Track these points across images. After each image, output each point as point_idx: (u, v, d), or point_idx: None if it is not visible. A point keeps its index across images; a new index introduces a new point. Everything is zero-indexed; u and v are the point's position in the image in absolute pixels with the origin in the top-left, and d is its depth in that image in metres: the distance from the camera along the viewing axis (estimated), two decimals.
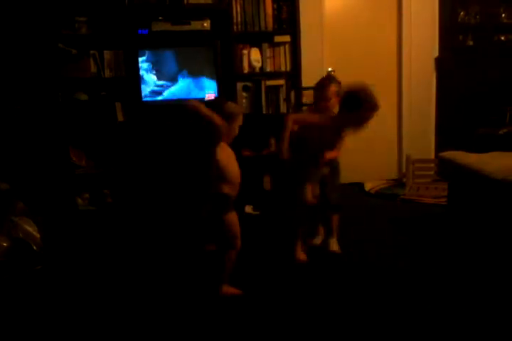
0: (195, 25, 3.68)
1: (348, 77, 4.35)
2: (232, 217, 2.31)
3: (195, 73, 3.76)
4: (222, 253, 2.31)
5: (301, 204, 2.65)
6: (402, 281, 2.41)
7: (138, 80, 3.63)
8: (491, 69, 4.13)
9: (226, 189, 2.27)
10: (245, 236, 3.15)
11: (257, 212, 3.72)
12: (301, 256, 2.73)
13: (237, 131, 2.36)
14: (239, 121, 2.34)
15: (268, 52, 3.94)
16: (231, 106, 2.33)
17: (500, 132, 3.27)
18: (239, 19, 3.84)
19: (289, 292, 2.37)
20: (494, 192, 2.65)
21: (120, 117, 3.70)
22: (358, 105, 2.43)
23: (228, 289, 2.34)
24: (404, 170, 4.32)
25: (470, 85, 4.13)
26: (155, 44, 3.67)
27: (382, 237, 3.04)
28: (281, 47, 3.95)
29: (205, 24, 3.68)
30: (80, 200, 3.67)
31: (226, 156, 2.34)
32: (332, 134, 2.57)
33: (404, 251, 2.80)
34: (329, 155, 2.65)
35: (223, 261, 2.31)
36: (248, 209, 3.76)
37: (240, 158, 3.79)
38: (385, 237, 3.03)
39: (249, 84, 3.91)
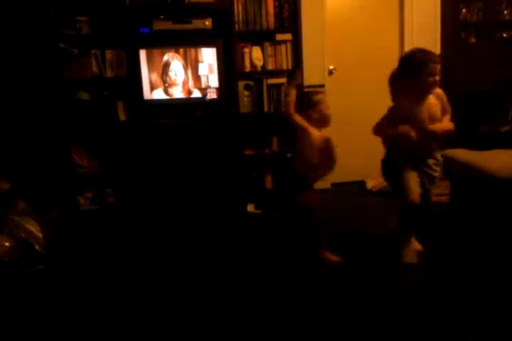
0: (197, 24, 3.68)
1: (349, 76, 4.40)
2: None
3: (197, 72, 3.76)
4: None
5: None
6: (405, 280, 2.41)
7: (139, 79, 3.63)
8: (493, 67, 4.10)
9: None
10: (248, 234, 3.21)
11: (259, 211, 3.72)
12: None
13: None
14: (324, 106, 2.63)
15: (270, 51, 3.93)
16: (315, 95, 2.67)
17: (503, 129, 3.25)
18: (240, 18, 3.83)
19: (291, 291, 2.37)
20: (497, 190, 2.64)
21: (122, 116, 3.71)
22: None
23: (327, 254, 2.68)
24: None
25: (472, 82, 4.11)
26: (157, 43, 3.68)
27: (385, 235, 3.02)
28: (283, 46, 3.95)
29: (206, 23, 3.68)
30: (82, 200, 3.68)
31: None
32: None
33: None
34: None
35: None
36: (250, 207, 3.76)
37: (242, 157, 3.86)
38: (387, 235, 3.02)
39: (250, 82, 3.90)
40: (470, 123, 3.90)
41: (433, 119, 2.50)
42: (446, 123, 2.53)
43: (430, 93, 2.52)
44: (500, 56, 4.18)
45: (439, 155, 2.64)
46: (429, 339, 1.87)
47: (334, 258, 2.69)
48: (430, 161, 2.60)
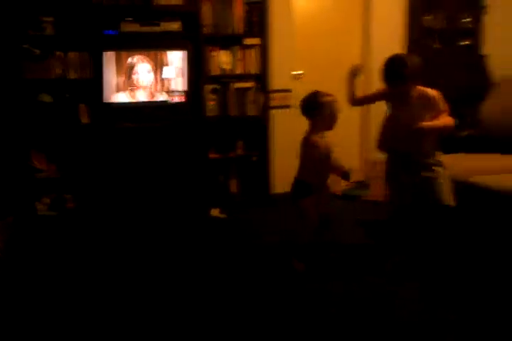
0: (165, 26, 3.66)
1: (316, 81, 4.43)
2: (308, 202, 2.62)
3: (163, 75, 3.73)
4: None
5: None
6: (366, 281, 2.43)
7: (102, 81, 3.57)
8: (454, 72, 4.20)
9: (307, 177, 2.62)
10: (213, 239, 3.19)
11: (224, 215, 3.70)
12: None
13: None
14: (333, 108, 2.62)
15: (238, 55, 3.94)
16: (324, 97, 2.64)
17: (462, 134, 3.33)
18: (209, 21, 3.83)
19: (257, 298, 2.36)
20: (457, 192, 2.69)
21: (85, 119, 3.65)
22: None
23: (298, 264, 2.61)
24: (367, 172, 4.37)
25: (435, 87, 4.20)
26: (124, 45, 3.64)
27: (349, 237, 3.05)
28: (252, 50, 3.96)
29: (175, 25, 3.67)
30: (40, 205, 3.56)
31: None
32: None
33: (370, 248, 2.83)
34: None
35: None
36: (214, 212, 3.74)
37: (207, 161, 3.84)
38: (351, 237, 3.05)
39: (217, 86, 3.90)
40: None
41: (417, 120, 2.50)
42: (436, 121, 2.53)
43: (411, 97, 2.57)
44: (462, 62, 4.29)
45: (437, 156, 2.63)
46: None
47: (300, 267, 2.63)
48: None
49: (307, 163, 2.61)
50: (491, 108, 3.41)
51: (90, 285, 2.53)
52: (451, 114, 2.61)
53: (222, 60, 3.92)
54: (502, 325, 1.97)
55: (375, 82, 4.40)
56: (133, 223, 3.51)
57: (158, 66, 3.71)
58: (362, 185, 4.37)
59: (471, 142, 3.23)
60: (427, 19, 4.41)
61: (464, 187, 2.65)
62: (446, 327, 1.97)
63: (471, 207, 2.61)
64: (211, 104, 3.88)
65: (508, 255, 2.31)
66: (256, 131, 3.98)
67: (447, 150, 3.17)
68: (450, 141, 3.31)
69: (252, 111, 3.93)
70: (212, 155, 3.89)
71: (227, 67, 3.93)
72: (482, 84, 3.84)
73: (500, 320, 2.00)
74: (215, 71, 3.90)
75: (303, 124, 4.47)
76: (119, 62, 3.61)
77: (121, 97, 3.65)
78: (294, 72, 4.31)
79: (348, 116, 4.51)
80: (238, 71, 3.96)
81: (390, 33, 4.43)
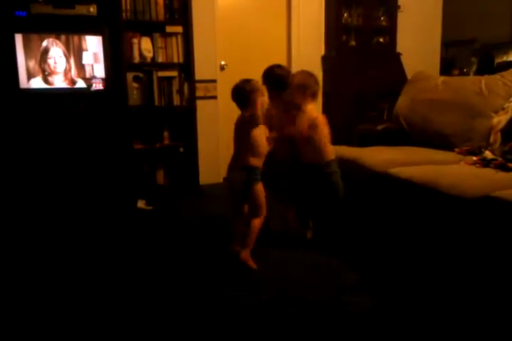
0: (80, 9, 3.47)
1: (239, 71, 4.44)
2: (261, 187, 2.60)
3: (80, 61, 3.54)
4: (250, 221, 2.60)
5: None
6: (288, 271, 2.51)
7: (15, 66, 3.32)
8: (371, 69, 4.44)
9: (256, 161, 2.59)
10: (138, 231, 3.12)
11: (150, 207, 3.63)
12: None
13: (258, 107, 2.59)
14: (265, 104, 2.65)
15: (160, 42, 3.84)
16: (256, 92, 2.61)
17: (379, 128, 3.52)
18: (128, 7, 3.69)
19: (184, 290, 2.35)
20: (374, 182, 2.85)
21: None
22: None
23: (247, 257, 2.55)
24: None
25: (352, 83, 4.41)
26: (35, 28, 3.39)
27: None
28: (174, 38, 3.88)
29: (91, 9, 3.48)
30: None
31: (261, 136, 2.64)
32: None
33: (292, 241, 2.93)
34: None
35: (251, 228, 2.58)
36: (140, 204, 3.65)
37: (131, 151, 3.72)
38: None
39: (140, 74, 3.78)
40: (350, 121, 4.18)
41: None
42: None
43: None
44: (376, 59, 4.53)
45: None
46: (311, 327, 1.97)
47: (252, 264, 2.56)
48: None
49: (249, 147, 2.61)
50: (403, 103, 3.64)
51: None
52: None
53: (144, 47, 3.80)
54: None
55: None
56: (54, 218, 3.32)
57: (74, 51, 3.51)
58: None
59: (388, 135, 3.43)
60: (344, 17, 4.58)
61: (382, 178, 2.81)
62: (350, 310, 2.11)
63: (388, 196, 2.78)
64: (134, 92, 3.75)
65: (423, 241, 2.51)
66: (182, 122, 3.93)
67: (365, 143, 3.36)
68: (368, 134, 3.52)
69: (177, 100, 3.87)
70: (137, 146, 3.78)
71: (149, 54, 3.82)
72: (398, 80, 4.08)
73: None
74: (137, 58, 3.78)
75: (227, 115, 4.51)
76: (31, 46, 3.36)
77: (36, 83, 3.41)
78: (223, 62, 4.30)
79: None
80: (160, 59, 3.87)
81: (309, 30, 4.58)
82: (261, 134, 2.64)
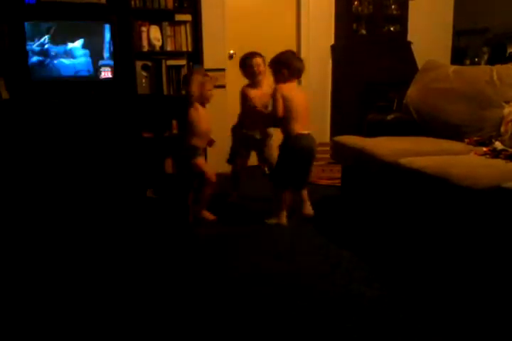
0: None
1: None
2: (201, 161, 3.04)
3: (89, 49, 3.54)
4: (200, 189, 3.02)
5: None
6: (299, 261, 2.52)
7: (24, 54, 3.33)
8: (381, 58, 4.39)
9: (196, 141, 3.00)
10: (146, 219, 3.14)
11: (158, 196, 3.64)
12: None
13: (206, 95, 3.01)
14: (207, 86, 2.99)
15: (168, 31, 3.82)
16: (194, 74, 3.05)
17: (389, 118, 3.50)
18: None
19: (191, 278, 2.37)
20: (383, 172, 2.84)
21: (5, 94, 3.38)
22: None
23: (206, 214, 3.08)
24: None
25: (362, 72, 4.36)
26: (44, 15, 3.39)
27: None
28: (182, 27, 3.86)
29: None
30: None
31: (198, 115, 3.00)
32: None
33: (303, 232, 2.93)
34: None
35: (202, 194, 3.04)
36: (149, 193, 3.67)
37: (140, 140, 3.73)
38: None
39: (148, 63, 3.76)
40: (359, 111, 4.15)
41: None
42: None
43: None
44: (387, 48, 4.48)
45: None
46: (321, 316, 1.97)
47: (211, 217, 3.09)
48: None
49: (188, 127, 3.02)
50: (413, 92, 3.60)
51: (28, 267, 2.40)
52: None
53: (153, 35, 3.78)
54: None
55: (309, 68, 4.53)
56: (63, 205, 3.35)
57: (85, 39, 3.51)
58: None
59: (397, 125, 3.41)
60: (355, 5, 4.53)
61: (392, 168, 2.80)
62: (358, 300, 2.11)
63: (397, 186, 2.77)
64: (143, 81, 3.74)
65: (434, 231, 2.50)
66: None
67: (374, 133, 3.34)
68: (377, 124, 3.49)
69: None
70: (146, 135, 3.78)
71: (157, 43, 3.80)
72: (409, 69, 4.04)
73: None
74: (145, 47, 3.76)
75: (235, 104, 4.49)
76: (40, 35, 3.37)
77: (47, 71, 3.41)
78: (232, 51, 4.29)
79: None
80: (169, 48, 3.85)
81: (319, 19, 4.54)
82: (198, 114, 2.98)
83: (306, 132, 2.91)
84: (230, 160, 3.53)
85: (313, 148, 2.98)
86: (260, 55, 3.33)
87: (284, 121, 2.93)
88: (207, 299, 2.12)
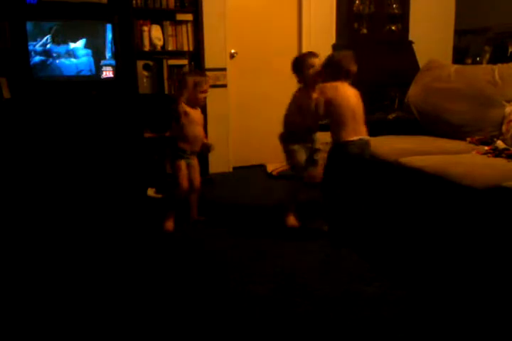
0: None
1: (249, 60, 4.43)
2: (180, 165, 2.94)
3: (90, 48, 3.55)
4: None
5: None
6: (300, 260, 2.53)
7: (26, 54, 3.33)
8: (382, 57, 4.38)
9: (183, 144, 2.93)
10: (147, 219, 3.14)
11: (160, 195, 3.65)
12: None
13: (199, 97, 2.88)
14: (202, 86, 2.86)
15: (170, 30, 3.82)
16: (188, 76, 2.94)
17: (390, 117, 3.50)
18: None
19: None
20: (386, 172, 2.85)
21: (6, 94, 3.38)
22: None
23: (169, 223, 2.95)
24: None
25: (364, 71, 4.34)
26: (45, 15, 3.40)
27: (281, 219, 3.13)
28: (184, 26, 3.86)
29: None
30: None
31: (185, 118, 2.89)
32: None
33: (302, 231, 2.94)
34: None
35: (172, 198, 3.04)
36: (150, 192, 3.67)
37: (141, 140, 3.74)
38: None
39: (150, 62, 3.77)
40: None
41: None
42: None
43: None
44: (388, 47, 4.46)
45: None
46: (320, 315, 1.97)
47: (170, 226, 2.95)
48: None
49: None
50: (414, 92, 3.60)
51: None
52: None
53: (154, 35, 3.79)
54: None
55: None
56: (64, 204, 3.35)
57: (86, 39, 3.51)
58: None
59: (399, 124, 3.41)
60: (356, 4, 4.52)
61: (393, 167, 2.81)
62: (359, 298, 2.11)
63: (399, 185, 2.77)
64: (144, 81, 3.75)
65: (434, 230, 2.50)
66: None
67: (377, 132, 3.34)
68: (379, 123, 3.49)
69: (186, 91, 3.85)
70: (147, 135, 3.78)
71: (159, 42, 3.81)
72: (410, 68, 4.03)
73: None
74: (147, 46, 3.77)
75: (237, 104, 4.50)
76: (42, 34, 3.38)
77: (48, 71, 3.42)
78: (233, 51, 4.29)
79: (286, 96, 4.61)
80: (170, 47, 3.85)
81: (321, 17, 4.52)
82: (187, 118, 2.88)
83: (356, 138, 2.60)
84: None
85: (363, 155, 2.65)
86: (316, 55, 2.91)
87: (330, 127, 2.70)
88: (206, 298, 2.12)
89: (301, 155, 2.87)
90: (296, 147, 2.88)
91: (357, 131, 2.61)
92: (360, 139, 2.61)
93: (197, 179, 3.01)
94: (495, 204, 2.09)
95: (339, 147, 2.64)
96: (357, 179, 2.75)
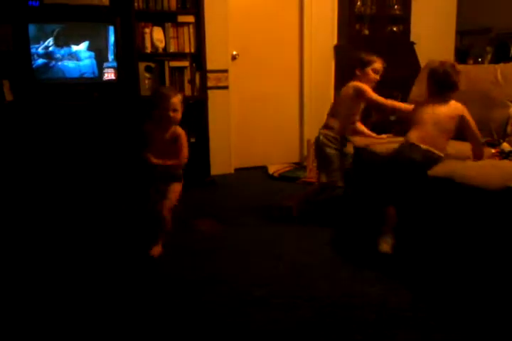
0: None
1: (251, 61, 4.44)
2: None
3: (93, 51, 3.55)
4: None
5: None
6: (302, 264, 2.52)
7: (28, 56, 3.33)
8: (384, 58, 4.36)
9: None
10: (148, 221, 3.13)
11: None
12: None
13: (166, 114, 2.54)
14: (166, 106, 2.52)
15: (171, 32, 3.82)
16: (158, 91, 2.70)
17: (392, 118, 3.49)
18: None
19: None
20: (385, 169, 2.82)
21: (9, 96, 3.38)
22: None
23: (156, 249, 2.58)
24: (305, 154, 4.49)
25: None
26: (47, 18, 3.40)
27: (286, 218, 3.13)
28: (185, 28, 3.86)
29: None
30: None
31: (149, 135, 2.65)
32: None
33: (305, 232, 2.93)
34: None
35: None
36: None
37: (143, 142, 3.72)
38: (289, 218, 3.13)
39: (152, 64, 3.77)
40: (362, 111, 4.13)
41: None
42: None
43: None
44: (390, 48, 4.45)
45: None
46: (323, 316, 1.96)
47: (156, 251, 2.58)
48: None
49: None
50: (416, 92, 3.59)
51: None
52: None
53: (156, 37, 3.79)
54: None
55: (312, 68, 4.52)
56: (65, 208, 3.34)
57: (88, 41, 3.52)
58: (299, 166, 4.48)
59: (401, 125, 3.39)
60: (357, 5, 4.52)
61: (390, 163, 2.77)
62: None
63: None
64: (146, 82, 3.75)
65: (441, 232, 2.49)
66: (194, 112, 3.91)
67: (379, 133, 3.33)
68: (381, 124, 3.49)
69: (189, 91, 3.86)
70: None
71: (160, 44, 3.81)
72: (412, 69, 4.03)
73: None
74: (148, 48, 3.77)
75: (238, 105, 4.49)
76: (44, 37, 3.38)
77: (51, 73, 3.42)
78: (234, 52, 4.29)
79: (287, 98, 4.63)
80: (172, 49, 3.85)
81: (322, 19, 4.52)
82: (150, 134, 2.64)
83: (422, 145, 2.53)
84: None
85: (417, 163, 2.52)
86: (381, 59, 3.10)
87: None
88: (206, 300, 2.11)
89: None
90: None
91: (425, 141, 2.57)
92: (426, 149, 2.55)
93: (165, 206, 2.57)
94: (505, 206, 2.08)
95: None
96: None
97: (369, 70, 3.04)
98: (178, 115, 2.56)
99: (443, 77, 2.62)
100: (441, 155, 2.56)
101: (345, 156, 3.12)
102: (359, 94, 2.99)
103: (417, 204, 2.60)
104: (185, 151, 2.59)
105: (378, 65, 3.07)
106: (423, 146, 2.53)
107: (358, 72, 3.06)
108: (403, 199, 2.59)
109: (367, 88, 3.00)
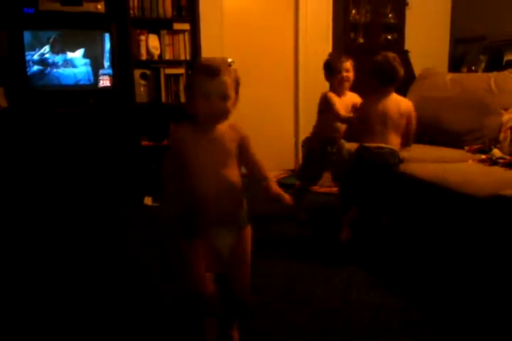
0: (88, 6, 3.50)
1: (246, 69, 4.43)
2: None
3: (89, 58, 3.56)
4: None
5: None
6: (295, 267, 2.51)
7: (23, 63, 3.34)
8: None
9: None
10: (144, 228, 3.13)
11: (157, 204, 3.64)
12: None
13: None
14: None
15: (167, 40, 3.85)
16: None
17: None
18: (135, 3, 3.70)
19: None
20: (383, 180, 2.83)
21: (4, 103, 3.39)
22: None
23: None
24: (300, 161, 4.48)
25: (360, 80, 4.36)
26: (42, 25, 3.42)
27: (284, 226, 3.13)
28: (181, 35, 3.88)
29: (98, 6, 3.52)
30: None
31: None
32: None
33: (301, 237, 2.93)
34: None
35: None
36: (147, 200, 3.66)
37: (138, 148, 3.74)
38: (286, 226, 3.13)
39: (147, 71, 3.78)
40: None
41: None
42: None
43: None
44: None
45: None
46: (319, 322, 1.95)
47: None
48: None
49: None
50: (411, 101, 3.61)
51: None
52: None
53: (151, 44, 3.81)
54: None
55: (307, 76, 4.54)
56: (61, 213, 3.34)
57: (83, 48, 3.53)
58: (294, 173, 4.47)
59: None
60: (352, 14, 4.55)
61: (390, 176, 2.79)
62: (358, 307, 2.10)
63: (396, 193, 2.76)
64: (141, 89, 3.76)
65: (431, 239, 2.50)
66: (189, 119, 3.92)
67: None
68: None
69: (184, 98, 3.87)
70: (144, 143, 3.79)
71: (156, 52, 3.83)
72: (406, 77, 4.05)
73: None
74: (144, 55, 3.78)
75: (234, 112, 4.45)
76: (39, 44, 3.39)
77: (46, 80, 3.43)
78: (230, 60, 4.30)
79: (282, 105, 4.65)
80: (168, 56, 3.87)
81: (317, 27, 4.55)
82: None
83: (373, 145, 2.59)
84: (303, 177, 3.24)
85: (375, 164, 2.59)
86: (349, 58, 3.05)
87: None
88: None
89: None
90: None
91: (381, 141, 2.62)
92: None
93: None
94: (493, 213, 2.09)
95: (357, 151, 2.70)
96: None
97: (339, 76, 2.98)
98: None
99: (389, 70, 2.60)
100: (395, 148, 2.62)
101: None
102: (327, 106, 2.97)
103: (406, 208, 2.61)
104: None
105: (346, 64, 3.00)
106: (373, 145, 2.59)
107: (328, 81, 3.02)
108: (373, 199, 2.68)
109: (333, 101, 2.93)
